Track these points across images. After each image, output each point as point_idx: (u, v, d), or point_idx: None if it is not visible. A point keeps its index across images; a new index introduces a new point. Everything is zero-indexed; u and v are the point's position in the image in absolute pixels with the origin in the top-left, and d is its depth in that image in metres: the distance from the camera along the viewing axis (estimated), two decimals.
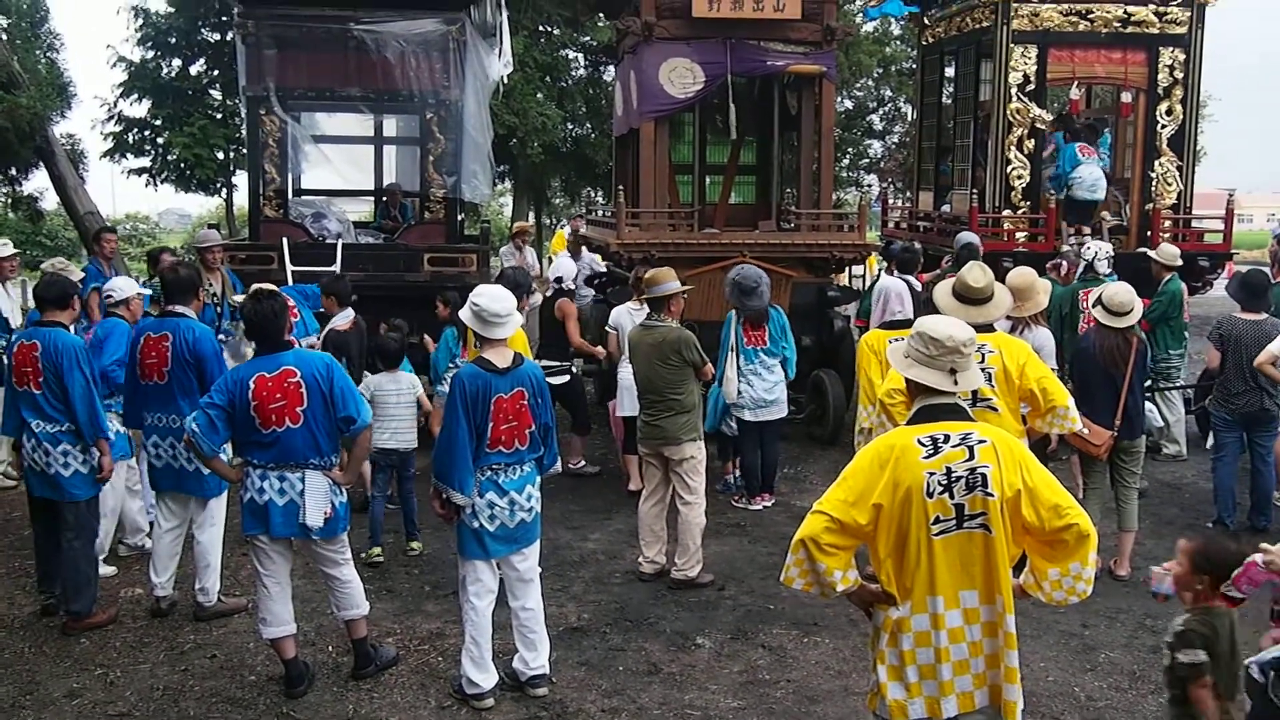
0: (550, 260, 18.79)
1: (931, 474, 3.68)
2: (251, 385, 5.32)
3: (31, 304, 8.46)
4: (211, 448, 5.40)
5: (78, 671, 5.87)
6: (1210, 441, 8.81)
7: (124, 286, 7.43)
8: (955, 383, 3.82)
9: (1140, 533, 7.65)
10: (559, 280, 9.78)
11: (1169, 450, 10.24)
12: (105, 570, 7.17)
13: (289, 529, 5.45)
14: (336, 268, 10.10)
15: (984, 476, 3.68)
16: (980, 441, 3.72)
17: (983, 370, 5.71)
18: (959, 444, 3.71)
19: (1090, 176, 11.90)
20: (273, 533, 5.45)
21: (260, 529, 5.45)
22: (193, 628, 6.40)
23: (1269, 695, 3.75)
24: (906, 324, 6.78)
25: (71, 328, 6.57)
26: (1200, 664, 3.75)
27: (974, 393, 5.67)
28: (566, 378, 9.29)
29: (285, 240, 10.50)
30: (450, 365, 8.07)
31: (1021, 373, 5.78)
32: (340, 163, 12.23)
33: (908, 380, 3.93)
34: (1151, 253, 10.22)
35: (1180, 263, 10.13)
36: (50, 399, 6.25)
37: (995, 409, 5.74)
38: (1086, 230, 11.66)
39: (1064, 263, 10.20)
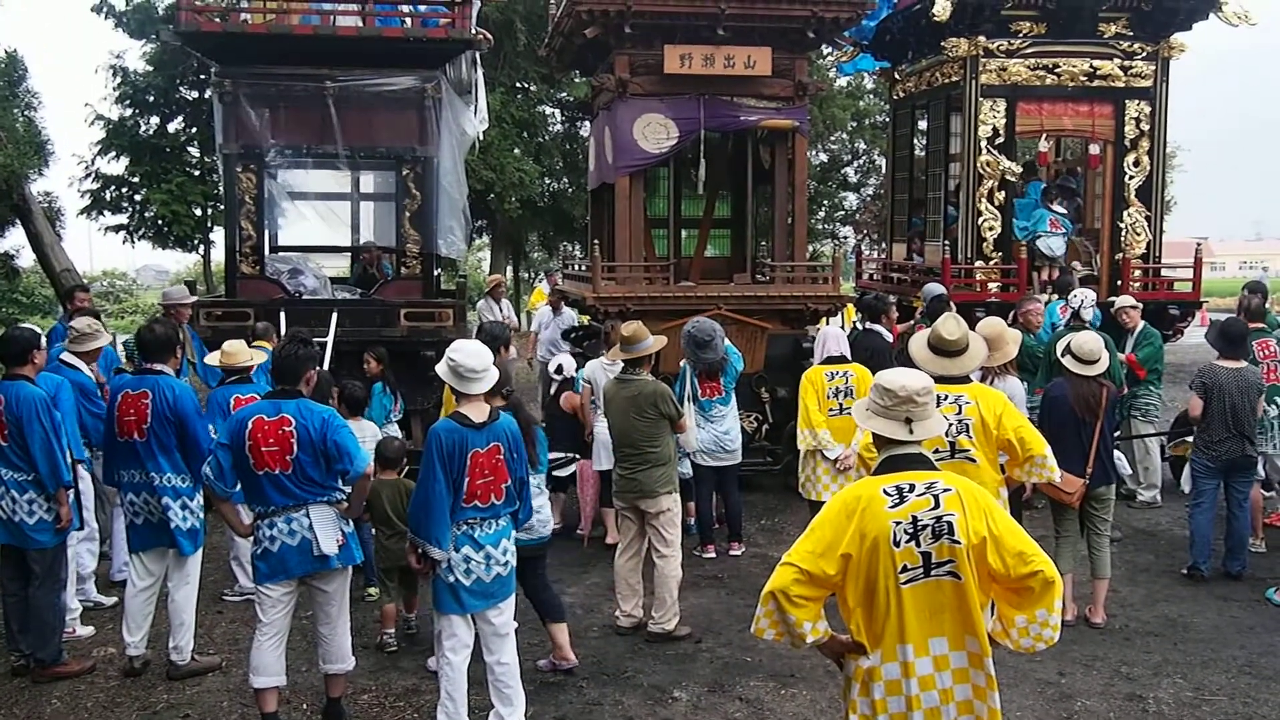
0: (529, 315, 18.84)
1: (898, 523, 3.71)
2: (250, 425, 5.42)
3: None
4: (224, 490, 5.53)
5: None
6: (1186, 486, 8.87)
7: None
8: (911, 432, 3.88)
9: (1115, 579, 7.70)
10: (559, 371, 9.56)
11: (1144, 496, 10.31)
12: (82, 631, 7.14)
13: (306, 564, 5.51)
14: (331, 332, 10.03)
15: (950, 524, 3.72)
16: (945, 490, 3.76)
17: (960, 422, 5.75)
18: (924, 493, 3.75)
19: (1058, 247, 12.40)
20: (291, 573, 5.50)
21: (280, 574, 5.49)
22: (166, 687, 6.34)
23: None
24: (842, 359, 8.24)
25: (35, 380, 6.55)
26: None
27: (952, 444, 5.73)
28: (574, 468, 9.36)
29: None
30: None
31: (999, 423, 5.79)
32: (317, 219, 12.29)
33: (872, 433, 3.98)
34: (1114, 308, 10.36)
35: (1135, 302, 10.46)
36: (15, 449, 6.35)
37: (974, 460, 5.75)
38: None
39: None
